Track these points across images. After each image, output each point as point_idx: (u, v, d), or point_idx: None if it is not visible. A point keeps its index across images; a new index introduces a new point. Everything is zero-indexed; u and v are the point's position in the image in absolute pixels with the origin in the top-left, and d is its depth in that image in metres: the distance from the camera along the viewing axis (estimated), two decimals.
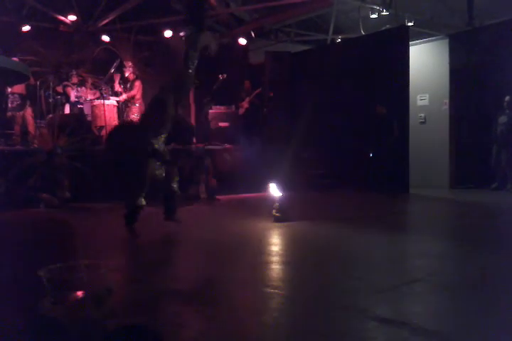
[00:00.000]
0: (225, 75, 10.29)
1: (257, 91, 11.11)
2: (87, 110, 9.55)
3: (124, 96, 9.73)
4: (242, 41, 11.54)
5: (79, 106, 9.58)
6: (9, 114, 8.79)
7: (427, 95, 10.47)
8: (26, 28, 9.72)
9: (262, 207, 6.07)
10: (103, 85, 9.67)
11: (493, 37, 9.26)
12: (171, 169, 4.79)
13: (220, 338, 2.12)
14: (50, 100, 9.17)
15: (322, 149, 9.99)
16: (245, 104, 11.13)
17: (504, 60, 8.93)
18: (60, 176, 7.02)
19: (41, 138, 7.90)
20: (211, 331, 2.21)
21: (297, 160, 8.97)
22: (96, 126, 9.26)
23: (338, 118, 9.98)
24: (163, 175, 4.66)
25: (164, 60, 10.99)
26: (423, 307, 2.55)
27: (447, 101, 10.09)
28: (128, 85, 9.82)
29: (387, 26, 11.01)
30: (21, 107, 8.76)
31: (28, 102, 8.88)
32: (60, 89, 9.51)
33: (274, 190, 5.67)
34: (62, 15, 10.21)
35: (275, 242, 4.67)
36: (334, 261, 3.62)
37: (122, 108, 9.87)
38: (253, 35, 11.70)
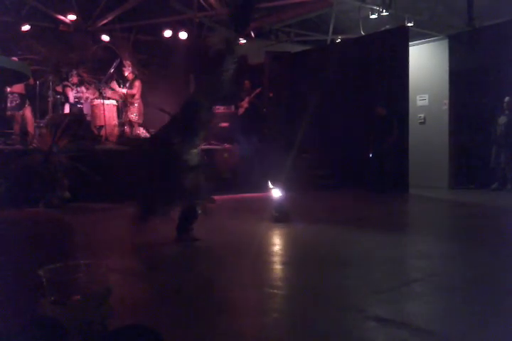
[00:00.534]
0: None
1: (257, 91, 11.11)
2: (86, 110, 9.55)
3: (123, 91, 9.69)
4: (242, 41, 11.54)
5: (78, 105, 9.58)
6: (8, 113, 8.78)
7: (427, 95, 10.48)
8: (26, 28, 9.72)
9: (261, 208, 6.07)
10: (102, 85, 9.67)
11: (493, 37, 9.27)
12: (199, 182, 4.36)
13: (220, 338, 2.12)
14: (50, 100, 9.16)
15: (322, 149, 9.99)
16: (245, 104, 11.13)
17: (504, 60, 8.94)
18: (60, 176, 7.01)
19: (40, 137, 7.89)
20: (211, 331, 2.20)
21: (297, 161, 8.97)
22: (95, 126, 9.26)
23: (337, 118, 9.99)
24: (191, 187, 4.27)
25: (163, 61, 11.01)
26: (423, 307, 2.54)
27: (447, 101, 10.10)
28: (127, 84, 9.81)
29: (387, 27, 11.00)
30: (20, 107, 8.75)
31: (28, 102, 8.87)
32: (59, 88, 9.51)
33: (274, 190, 5.67)
34: (62, 15, 10.21)
35: (275, 242, 4.67)
36: (334, 261, 3.61)
37: (122, 108, 9.87)
38: (253, 35, 11.70)
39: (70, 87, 9.56)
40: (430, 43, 10.61)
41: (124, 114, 9.82)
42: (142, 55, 10.35)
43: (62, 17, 10.22)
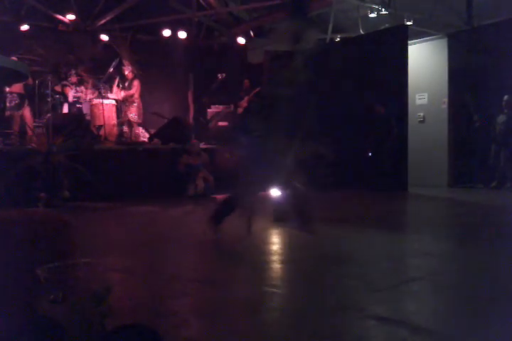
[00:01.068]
0: (223, 74, 10.29)
1: (256, 90, 11.10)
2: (85, 109, 9.54)
3: (122, 94, 9.71)
4: (241, 40, 11.54)
5: (78, 105, 9.57)
6: (7, 113, 8.78)
7: (426, 94, 10.47)
8: (25, 28, 9.71)
9: (261, 206, 6.06)
10: (102, 84, 9.67)
11: (492, 36, 9.26)
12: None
13: (219, 337, 2.12)
14: (49, 99, 9.16)
15: (322, 148, 9.97)
16: (244, 104, 11.12)
17: (503, 59, 8.93)
18: (59, 175, 7.01)
19: (39, 137, 7.89)
20: (210, 330, 2.20)
21: (296, 160, 8.95)
22: (95, 126, 9.26)
23: (337, 117, 9.98)
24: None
25: (162, 60, 11.02)
26: (422, 306, 2.55)
27: (446, 100, 10.09)
28: (126, 84, 9.81)
29: (386, 25, 11.00)
30: (19, 107, 8.74)
31: (27, 101, 8.86)
32: (58, 88, 9.50)
33: (274, 190, 5.66)
34: (61, 15, 10.21)
35: (275, 241, 4.67)
36: (333, 260, 3.61)
37: (121, 107, 9.87)
38: (252, 34, 11.70)
39: (69, 86, 9.56)
40: (429, 42, 10.60)
41: (123, 113, 9.82)
42: (141, 54, 10.34)
43: (61, 17, 10.22)
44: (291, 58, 4.23)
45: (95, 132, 9.13)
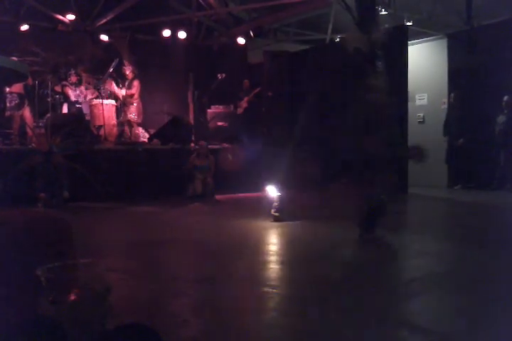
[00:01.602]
0: (223, 75, 10.29)
1: (256, 90, 11.11)
2: (85, 109, 9.54)
3: (122, 92, 9.70)
4: (241, 40, 11.54)
5: (77, 105, 9.57)
6: (7, 113, 8.77)
7: (426, 95, 10.47)
8: (24, 28, 9.71)
9: (260, 207, 6.07)
10: (101, 85, 9.67)
11: (491, 36, 9.26)
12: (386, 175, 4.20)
13: (218, 338, 2.12)
14: (49, 99, 9.15)
15: (321, 149, 9.98)
16: (244, 104, 11.13)
17: (503, 59, 8.93)
18: (59, 176, 7.01)
19: (39, 137, 7.89)
20: (210, 330, 2.21)
21: (296, 160, 8.96)
22: (94, 126, 9.25)
23: (336, 117, 9.97)
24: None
25: (162, 61, 11.02)
26: (422, 306, 2.55)
27: (446, 100, 10.09)
28: (126, 84, 9.81)
29: (386, 26, 10.99)
30: (19, 107, 8.73)
31: (27, 102, 8.85)
32: (58, 88, 9.50)
33: (273, 190, 5.67)
34: (61, 15, 10.21)
35: (274, 242, 4.67)
36: (332, 261, 3.61)
37: (120, 107, 9.87)
38: (252, 34, 11.70)
39: (68, 86, 9.55)
40: (429, 42, 10.60)
41: (123, 113, 9.82)
42: (141, 54, 10.34)
43: (60, 17, 10.21)
44: (371, 65, 4.32)
45: (95, 132, 9.13)
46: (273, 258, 3.77)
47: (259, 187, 7.10)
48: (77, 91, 9.62)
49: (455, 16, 10.88)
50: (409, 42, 9.42)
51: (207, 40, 12.22)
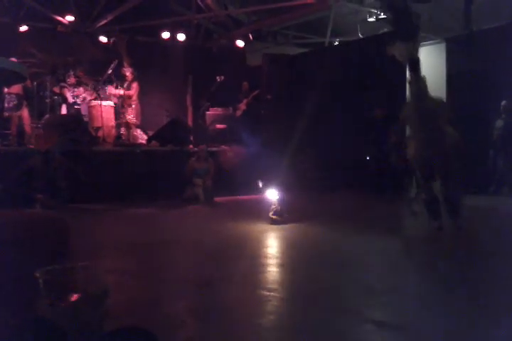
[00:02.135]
0: (222, 77, 10.30)
1: (255, 93, 11.12)
2: (84, 111, 9.53)
3: (121, 92, 9.68)
4: (240, 43, 11.56)
5: (76, 106, 9.56)
6: (6, 114, 8.75)
7: None
8: (24, 29, 9.71)
9: (259, 210, 6.07)
10: (100, 86, 9.67)
11: (490, 41, 9.29)
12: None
13: (217, 340, 2.12)
14: (47, 101, 9.14)
15: (320, 151, 9.99)
16: (243, 106, 11.14)
17: (501, 63, 8.95)
18: (58, 177, 7.00)
19: (37, 138, 7.88)
20: (208, 333, 2.20)
21: (295, 162, 8.97)
22: (93, 127, 9.24)
23: (336, 120, 9.99)
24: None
25: (161, 62, 11.02)
26: (420, 309, 2.55)
27: None
28: (125, 85, 9.80)
29: (385, 30, 11.03)
30: (18, 107, 8.72)
31: (25, 103, 8.84)
32: (57, 89, 9.49)
33: (272, 193, 5.67)
34: (60, 16, 10.21)
35: (272, 244, 4.67)
36: (331, 263, 3.61)
37: (119, 109, 9.85)
38: (251, 37, 11.72)
39: (67, 87, 9.54)
40: (428, 46, 10.63)
41: (121, 115, 9.81)
42: (140, 56, 10.34)
43: (60, 18, 10.22)
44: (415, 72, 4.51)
45: (93, 133, 9.12)
46: (271, 260, 3.77)
47: (258, 190, 7.11)
48: (76, 93, 9.61)
49: (454, 20, 10.93)
50: None
51: (206, 42, 12.24)
